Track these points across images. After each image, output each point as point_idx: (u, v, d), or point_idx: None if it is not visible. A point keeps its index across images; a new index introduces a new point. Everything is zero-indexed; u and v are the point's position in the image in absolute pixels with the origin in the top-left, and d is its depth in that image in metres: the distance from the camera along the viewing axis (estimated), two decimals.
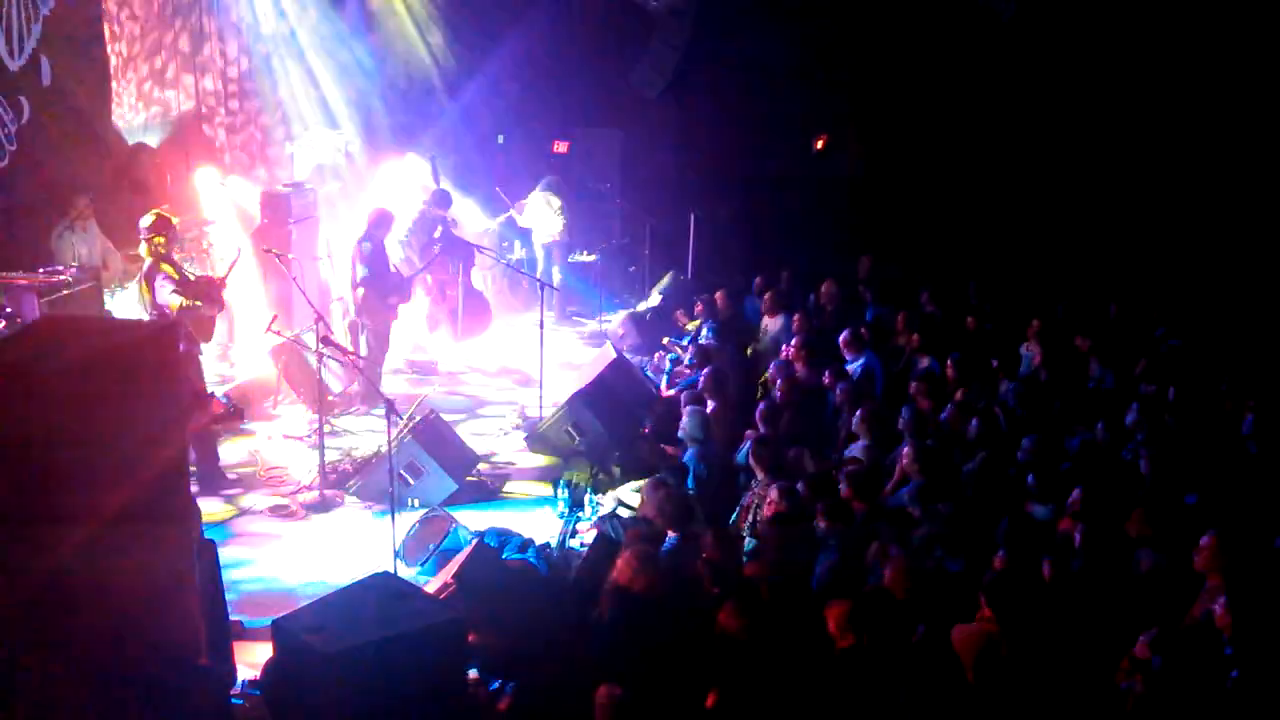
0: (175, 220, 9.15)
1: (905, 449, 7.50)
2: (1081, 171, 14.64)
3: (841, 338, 9.81)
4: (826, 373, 9.28)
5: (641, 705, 4.82)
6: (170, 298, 8.57)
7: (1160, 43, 13.98)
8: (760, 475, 7.59)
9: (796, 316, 10.73)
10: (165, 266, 8.69)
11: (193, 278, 9.02)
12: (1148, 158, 14.32)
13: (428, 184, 12.53)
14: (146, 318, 8.72)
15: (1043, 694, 5.03)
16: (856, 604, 5.34)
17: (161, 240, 8.73)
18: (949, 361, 9.24)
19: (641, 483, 7.90)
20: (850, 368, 9.56)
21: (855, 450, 7.97)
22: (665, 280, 13.90)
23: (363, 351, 10.33)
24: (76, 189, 10.33)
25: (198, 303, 8.71)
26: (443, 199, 12.08)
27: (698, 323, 11.81)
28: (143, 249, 8.80)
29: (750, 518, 7.38)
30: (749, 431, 8.65)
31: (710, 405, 8.85)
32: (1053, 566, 5.90)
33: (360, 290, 10.45)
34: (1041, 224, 14.48)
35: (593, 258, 14.32)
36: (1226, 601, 5.22)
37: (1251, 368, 9.58)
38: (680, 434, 8.60)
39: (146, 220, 8.81)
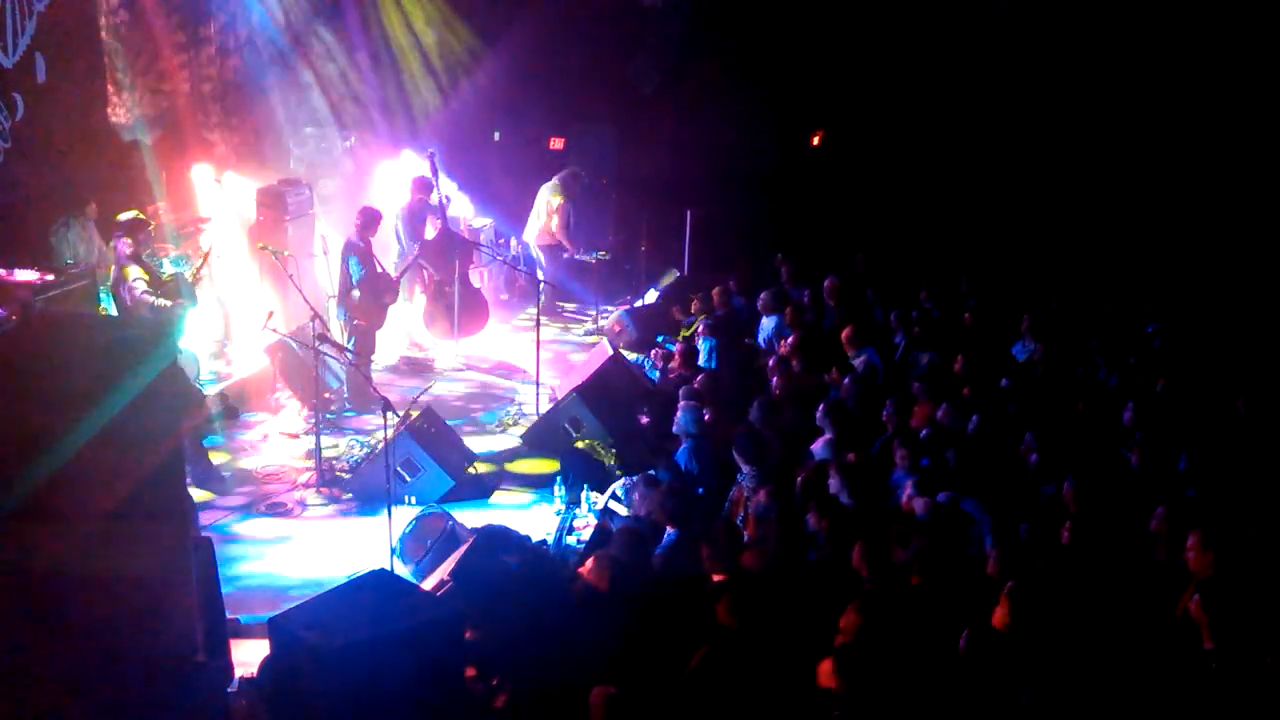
0: (151, 223, 9.19)
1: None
2: (1076, 167, 14.68)
3: (844, 334, 9.83)
4: (834, 370, 9.31)
5: (634, 703, 4.83)
6: (141, 299, 8.60)
7: (1154, 38, 14.02)
8: (745, 468, 7.59)
9: (788, 311, 10.76)
10: (133, 268, 8.73)
11: (165, 277, 9.06)
12: (1142, 153, 14.36)
13: (415, 175, 12.45)
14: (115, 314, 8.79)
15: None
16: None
17: (130, 241, 8.80)
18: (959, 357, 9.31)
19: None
20: (854, 364, 9.60)
21: (819, 445, 7.97)
22: (663, 278, 13.91)
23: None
24: (74, 187, 10.32)
25: (168, 302, 8.74)
26: (422, 185, 11.98)
27: (692, 327, 11.79)
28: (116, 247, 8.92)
29: (742, 511, 7.40)
30: None
31: (705, 402, 8.85)
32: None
33: (357, 292, 10.42)
34: (1036, 220, 14.51)
35: (592, 258, 14.24)
36: (1200, 599, 5.23)
37: (1245, 362, 9.63)
38: (675, 429, 8.60)
39: (123, 218, 8.91)
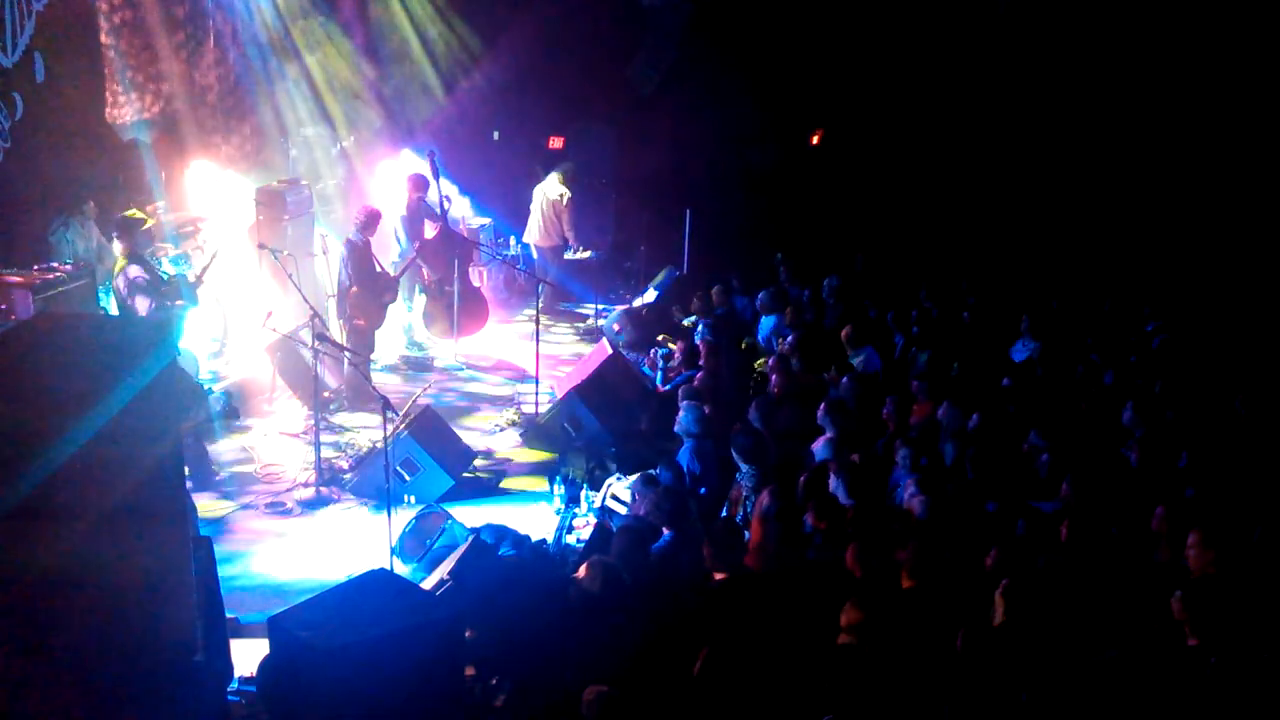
0: (149, 222, 9.16)
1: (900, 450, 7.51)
2: (1075, 166, 14.69)
3: (843, 333, 9.84)
4: (833, 368, 9.30)
5: (627, 703, 4.83)
6: (140, 300, 8.57)
7: (1154, 38, 14.03)
8: (743, 466, 7.59)
9: (788, 311, 10.77)
10: (134, 267, 8.70)
11: (166, 277, 9.04)
12: (1141, 153, 14.37)
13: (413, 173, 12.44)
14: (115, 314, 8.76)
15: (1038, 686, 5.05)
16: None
17: (125, 240, 8.78)
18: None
19: (632, 478, 7.91)
20: (853, 363, 9.61)
21: (819, 445, 7.97)
22: (661, 276, 13.91)
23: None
24: (73, 186, 10.31)
25: (167, 303, 8.72)
26: (417, 182, 11.95)
27: (694, 319, 11.81)
28: (114, 247, 8.91)
29: (740, 510, 7.40)
30: None
31: (705, 401, 8.85)
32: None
33: (354, 290, 10.44)
34: (1036, 220, 14.53)
35: (588, 254, 14.28)
36: (1182, 596, 5.23)
37: (1243, 361, 9.64)
38: (676, 429, 8.60)
39: (118, 218, 8.91)
